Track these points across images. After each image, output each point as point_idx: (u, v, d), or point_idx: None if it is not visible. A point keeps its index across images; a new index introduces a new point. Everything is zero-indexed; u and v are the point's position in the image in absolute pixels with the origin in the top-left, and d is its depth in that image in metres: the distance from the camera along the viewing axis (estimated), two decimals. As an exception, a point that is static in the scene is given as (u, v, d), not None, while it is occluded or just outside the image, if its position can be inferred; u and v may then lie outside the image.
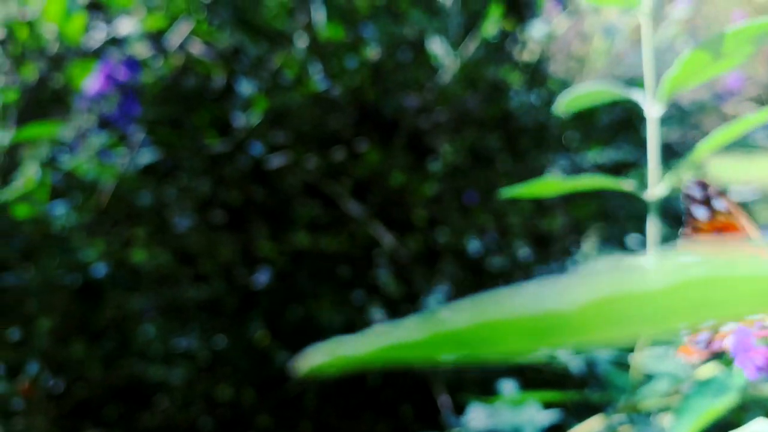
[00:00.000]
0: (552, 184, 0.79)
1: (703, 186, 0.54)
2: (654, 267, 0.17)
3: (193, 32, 1.68)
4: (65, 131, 1.26)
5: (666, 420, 1.01)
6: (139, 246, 1.87)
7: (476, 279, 2.24)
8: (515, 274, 2.43)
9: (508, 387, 1.46)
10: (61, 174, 1.29)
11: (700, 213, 0.54)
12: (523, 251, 2.49)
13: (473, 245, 2.26)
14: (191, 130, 1.60)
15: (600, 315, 0.18)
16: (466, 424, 1.40)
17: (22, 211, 1.31)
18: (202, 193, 1.69)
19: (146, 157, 1.56)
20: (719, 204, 0.54)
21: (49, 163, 1.27)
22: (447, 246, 2.14)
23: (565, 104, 0.79)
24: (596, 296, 0.17)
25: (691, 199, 0.54)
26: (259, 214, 1.98)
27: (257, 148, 1.73)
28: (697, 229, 0.55)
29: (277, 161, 1.72)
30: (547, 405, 1.15)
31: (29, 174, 1.23)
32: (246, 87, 1.62)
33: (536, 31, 1.94)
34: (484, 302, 0.17)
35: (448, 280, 2.05)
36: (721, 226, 0.54)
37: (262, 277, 2.14)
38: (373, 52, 1.48)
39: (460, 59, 1.76)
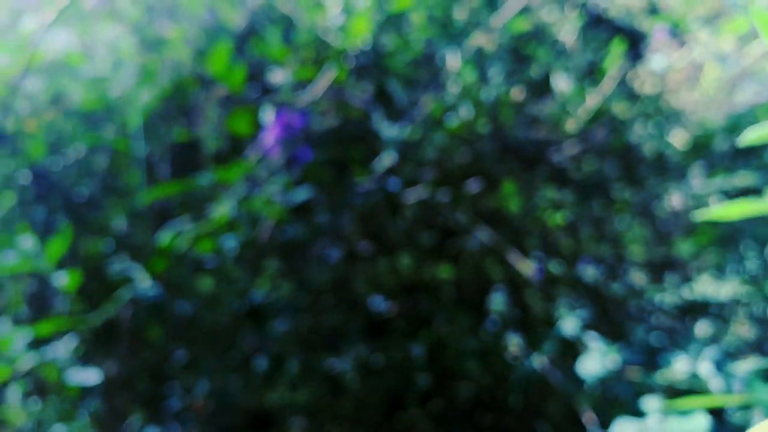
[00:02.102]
0: (740, 206, 0.86)
1: None
2: None
3: (336, 80, 1.84)
4: (254, 172, 1.43)
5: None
6: (286, 276, 2.03)
7: (594, 304, 2.29)
8: (631, 300, 2.46)
9: (653, 404, 1.52)
10: (238, 211, 1.46)
11: None
12: (639, 278, 2.52)
13: (590, 272, 2.31)
14: (341, 168, 1.75)
15: None
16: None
17: (205, 246, 1.48)
18: (347, 226, 1.83)
19: (301, 194, 1.72)
20: None
21: (243, 201, 1.44)
22: (564, 272, 2.21)
23: (754, 136, 0.85)
24: None
25: None
26: (390, 244, 2.11)
27: (395, 184, 1.87)
28: None
29: (414, 195, 1.85)
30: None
31: (223, 210, 1.40)
32: (388, 129, 1.77)
33: (655, 64, 2.01)
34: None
35: (567, 306, 2.11)
36: None
37: (388, 305, 2.26)
38: (513, 90, 1.60)
39: (585, 94, 1.85)
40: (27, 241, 1.35)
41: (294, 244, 1.92)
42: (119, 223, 1.70)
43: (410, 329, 2.12)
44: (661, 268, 2.60)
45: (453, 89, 1.56)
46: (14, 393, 1.51)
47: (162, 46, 1.97)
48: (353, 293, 2.14)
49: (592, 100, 1.85)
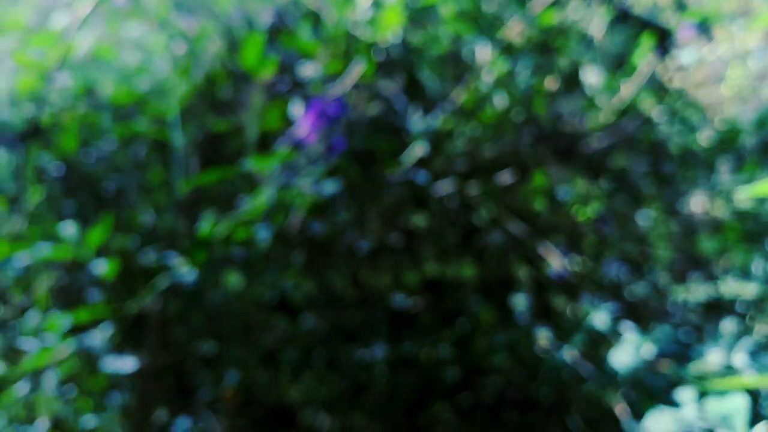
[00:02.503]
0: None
1: None
2: None
3: (365, 73, 1.85)
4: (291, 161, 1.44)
5: None
6: (311, 271, 2.04)
7: (619, 302, 2.28)
8: (655, 299, 2.45)
9: (686, 394, 1.51)
10: (276, 199, 1.46)
11: None
12: (664, 276, 2.51)
13: (615, 270, 2.31)
14: (369, 161, 1.76)
15: None
16: (649, 428, 1.45)
17: (241, 234, 1.49)
18: (374, 220, 1.83)
19: (330, 187, 1.73)
20: None
21: (284, 188, 1.45)
22: (588, 270, 2.21)
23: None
24: None
25: None
26: (417, 238, 2.12)
27: (423, 177, 1.87)
28: None
29: (443, 188, 1.86)
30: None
31: (262, 198, 1.41)
32: (417, 121, 1.77)
33: (684, 58, 2.01)
34: None
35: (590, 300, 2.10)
36: None
37: (413, 300, 2.26)
38: (547, 80, 1.60)
39: (615, 88, 1.85)
40: (68, 228, 1.36)
41: (320, 238, 1.92)
42: (154, 213, 1.71)
43: (436, 324, 2.12)
44: (686, 266, 2.58)
45: (487, 79, 1.56)
46: (49, 381, 1.52)
47: (191, 41, 1.98)
48: (378, 288, 2.15)
49: (623, 93, 1.85)
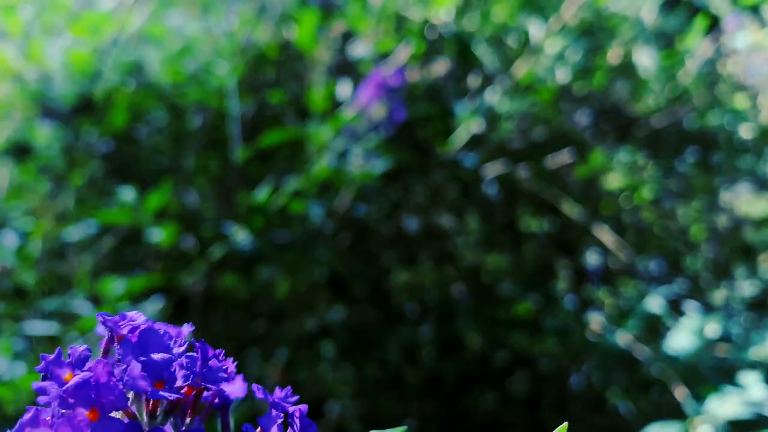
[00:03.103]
0: None
1: None
2: None
3: (416, 52, 1.84)
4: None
5: None
6: (357, 253, 2.02)
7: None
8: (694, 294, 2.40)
9: (751, 378, 1.48)
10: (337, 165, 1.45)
11: None
12: (705, 272, 2.46)
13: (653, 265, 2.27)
14: (423, 140, 1.74)
15: None
16: (712, 410, 1.42)
17: (297, 207, 1.47)
18: (424, 200, 1.82)
19: (382, 165, 1.71)
20: None
21: (342, 155, 1.44)
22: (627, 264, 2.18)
23: None
24: None
25: None
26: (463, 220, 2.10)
27: (471, 158, 1.85)
28: None
29: (493, 170, 1.83)
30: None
31: (322, 164, 1.40)
32: (461, 106, 1.75)
33: (738, 42, 1.97)
34: None
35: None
36: None
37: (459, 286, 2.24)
38: (610, 54, 1.58)
39: (668, 72, 1.83)
40: (128, 193, 1.35)
41: (365, 221, 1.90)
42: (207, 185, 1.70)
43: (479, 308, 2.10)
44: (729, 259, 2.54)
45: (550, 52, 1.54)
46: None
47: (240, 23, 1.98)
48: (421, 274, 2.13)
49: (678, 78, 1.82)
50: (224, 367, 0.52)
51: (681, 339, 1.56)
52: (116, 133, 1.84)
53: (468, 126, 1.70)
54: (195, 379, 0.50)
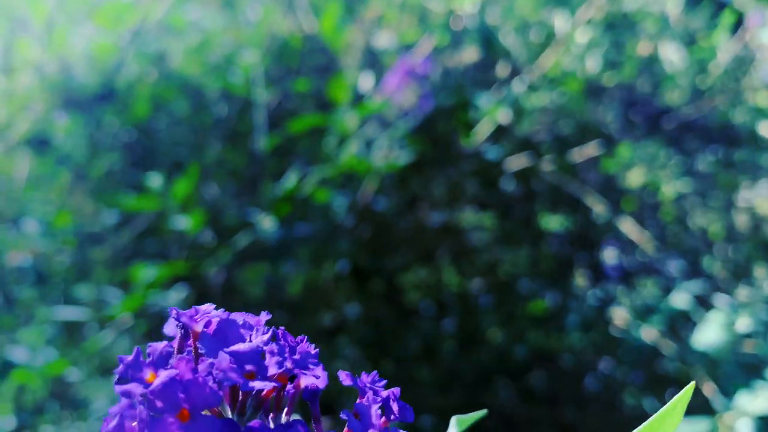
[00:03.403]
0: None
1: None
2: None
3: (438, 44, 1.82)
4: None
5: None
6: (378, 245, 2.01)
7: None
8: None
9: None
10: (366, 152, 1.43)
11: None
12: (723, 271, 2.44)
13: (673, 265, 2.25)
14: (444, 133, 1.73)
15: None
16: (742, 405, 1.40)
17: (321, 196, 1.46)
18: (444, 194, 1.80)
19: (405, 155, 1.70)
20: None
21: (368, 144, 1.42)
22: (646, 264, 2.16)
23: None
24: None
25: None
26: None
27: (493, 151, 1.84)
28: None
29: (517, 163, 1.82)
30: None
31: (351, 150, 1.39)
32: (484, 98, 1.74)
33: (765, 38, 1.96)
34: None
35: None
36: None
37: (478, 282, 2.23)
38: (641, 45, 1.56)
39: (693, 66, 1.81)
40: (155, 180, 1.34)
41: (384, 214, 1.89)
42: (231, 173, 1.69)
43: (500, 303, 2.09)
44: (749, 258, 2.51)
45: (581, 41, 1.53)
46: (126, 339, 1.50)
47: (261, 15, 1.97)
48: (438, 267, 2.11)
49: (707, 73, 1.80)
50: (314, 353, 0.49)
51: (709, 334, 1.54)
52: (137, 124, 1.83)
53: (492, 118, 1.68)
54: (287, 366, 0.46)
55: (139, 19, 1.83)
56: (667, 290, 1.86)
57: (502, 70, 1.65)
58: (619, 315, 1.76)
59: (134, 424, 0.45)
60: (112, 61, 1.78)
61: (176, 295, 1.48)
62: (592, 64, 1.54)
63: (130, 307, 1.34)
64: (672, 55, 1.83)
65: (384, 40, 1.81)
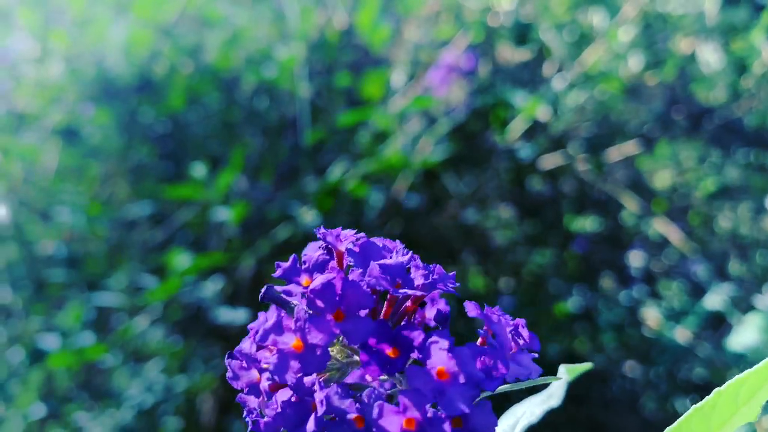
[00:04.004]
0: None
1: None
2: None
3: (474, 40, 1.82)
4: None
5: None
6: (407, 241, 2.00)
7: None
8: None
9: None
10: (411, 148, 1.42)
11: None
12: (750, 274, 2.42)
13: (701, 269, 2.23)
14: (479, 131, 1.72)
15: None
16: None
17: (360, 191, 1.46)
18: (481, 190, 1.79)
19: (441, 151, 1.70)
20: None
21: (419, 135, 1.42)
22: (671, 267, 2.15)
23: None
24: None
25: None
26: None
27: (527, 150, 1.83)
28: None
29: (550, 161, 1.81)
30: None
31: (395, 146, 1.38)
32: (520, 96, 1.73)
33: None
34: None
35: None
36: None
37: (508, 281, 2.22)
38: (683, 42, 1.56)
39: (731, 67, 1.80)
40: (199, 169, 1.34)
41: (415, 211, 1.88)
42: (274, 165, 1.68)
43: (524, 305, 2.08)
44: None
45: (624, 39, 1.52)
46: (159, 328, 1.51)
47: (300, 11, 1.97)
48: (464, 267, 2.11)
49: (746, 74, 1.79)
50: (451, 274, 0.52)
51: (746, 335, 1.53)
52: (171, 116, 1.83)
53: (529, 115, 1.67)
54: (433, 278, 0.49)
55: (177, 11, 1.83)
56: (695, 293, 1.85)
57: (547, 67, 1.64)
58: (652, 316, 1.75)
59: (290, 324, 0.48)
60: (149, 53, 1.78)
61: (212, 285, 1.49)
62: (635, 63, 1.53)
63: (166, 293, 1.34)
64: (709, 56, 1.82)
65: (420, 36, 1.81)
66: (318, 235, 0.53)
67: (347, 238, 0.52)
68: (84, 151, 1.97)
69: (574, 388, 2.16)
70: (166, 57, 1.77)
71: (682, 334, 1.66)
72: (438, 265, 0.52)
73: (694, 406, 0.54)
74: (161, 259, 1.39)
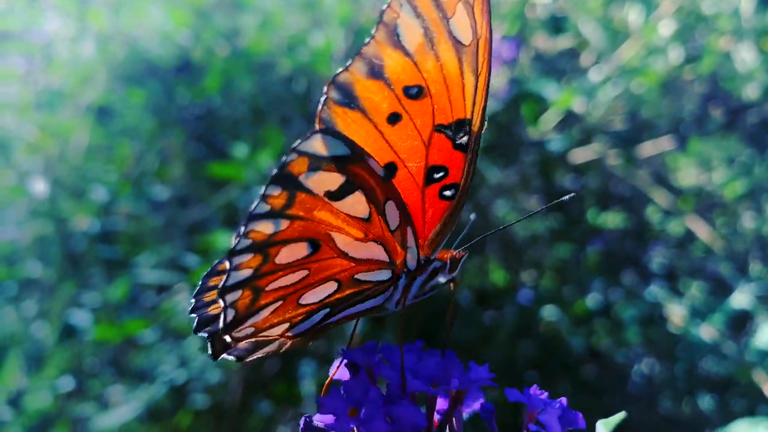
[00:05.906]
0: None
1: None
2: None
3: (509, 31, 1.82)
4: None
5: None
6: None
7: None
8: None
9: None
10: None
11: None
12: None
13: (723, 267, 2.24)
14: (510, 120, 1.73)
15: None
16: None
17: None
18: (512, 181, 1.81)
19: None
20: None
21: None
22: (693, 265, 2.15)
23: None
24: None
25: None
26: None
27: (557, 143, 1.83)
28: None
29: (582, 155, 1.82)
30: None
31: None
32: (552, 90, 1.73)
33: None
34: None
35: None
36: None
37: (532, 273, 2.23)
38: (722, 39, 1.56)
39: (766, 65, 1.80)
40: (241, 149, 1.36)
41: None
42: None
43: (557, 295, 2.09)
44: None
45: (664, 32, 1.52)
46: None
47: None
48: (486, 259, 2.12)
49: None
50: (489, 374, 0.55)
51: (773, 334, 1.54)
52: (206, 99, 1.85)
53: (563, 106, 1.68)
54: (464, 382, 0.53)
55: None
56: (718, 292, 1.85)
57: (585, 58, 1.65)
58: (677, 313, 1.76)
59: None
60: (187, 34, 1.80)
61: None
62: (674, 56, 1.54)
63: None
64: (745, 54, 1.82)
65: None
66: (342, 358, 0.56)
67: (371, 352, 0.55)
68: (116, 130, 1.99)
69: (593, 383, 2.15)
70: (204, 39, 1.79)
71: (707, 332, 1.67)
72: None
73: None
74: (203, 240, 1.41)
